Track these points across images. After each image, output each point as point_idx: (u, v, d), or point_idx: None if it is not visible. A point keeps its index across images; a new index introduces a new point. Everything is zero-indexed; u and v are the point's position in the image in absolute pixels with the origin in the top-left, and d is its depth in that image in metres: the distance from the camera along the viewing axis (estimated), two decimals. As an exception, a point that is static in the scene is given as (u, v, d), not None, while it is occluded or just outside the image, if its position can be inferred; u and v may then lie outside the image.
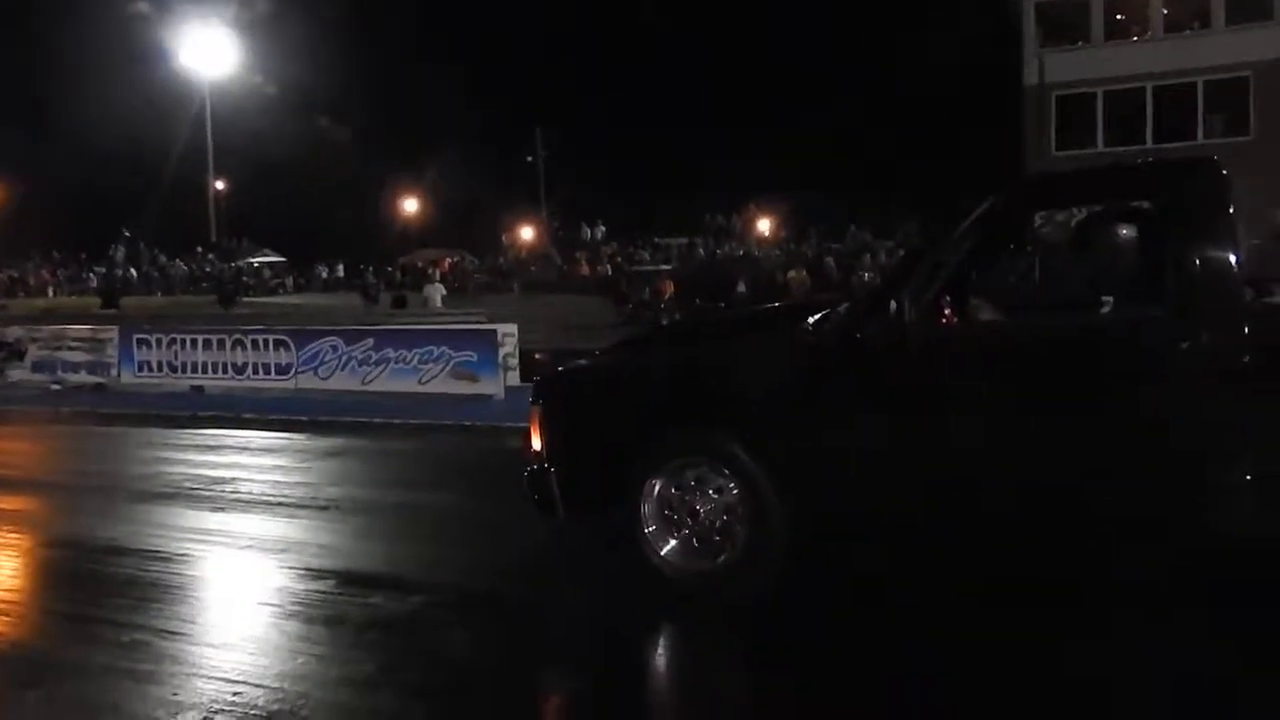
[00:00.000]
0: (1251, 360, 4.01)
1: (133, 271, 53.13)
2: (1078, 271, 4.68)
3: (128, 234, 56.15)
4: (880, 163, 48.36)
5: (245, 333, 14.06)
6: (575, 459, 5.08)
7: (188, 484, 8.18)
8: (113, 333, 15.07)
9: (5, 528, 7.03)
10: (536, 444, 5.15)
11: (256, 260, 54.39)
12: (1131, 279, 4.39)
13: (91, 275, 52.33)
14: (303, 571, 5.65)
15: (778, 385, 4.69)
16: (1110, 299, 4.45)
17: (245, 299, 41.92)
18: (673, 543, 4.82)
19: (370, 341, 13.08)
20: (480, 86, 64.05)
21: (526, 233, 56.41)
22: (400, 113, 64.69)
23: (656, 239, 47.48)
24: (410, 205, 60.25)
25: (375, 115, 57.40)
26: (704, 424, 4.81)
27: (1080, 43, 32.66)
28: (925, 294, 4.42)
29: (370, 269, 47.26)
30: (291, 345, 13.59)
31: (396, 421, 11.34)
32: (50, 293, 50.22)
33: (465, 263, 51.14)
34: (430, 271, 42.22)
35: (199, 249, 54.48)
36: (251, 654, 4.48)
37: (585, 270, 44.29)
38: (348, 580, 5.49)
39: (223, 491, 7.86)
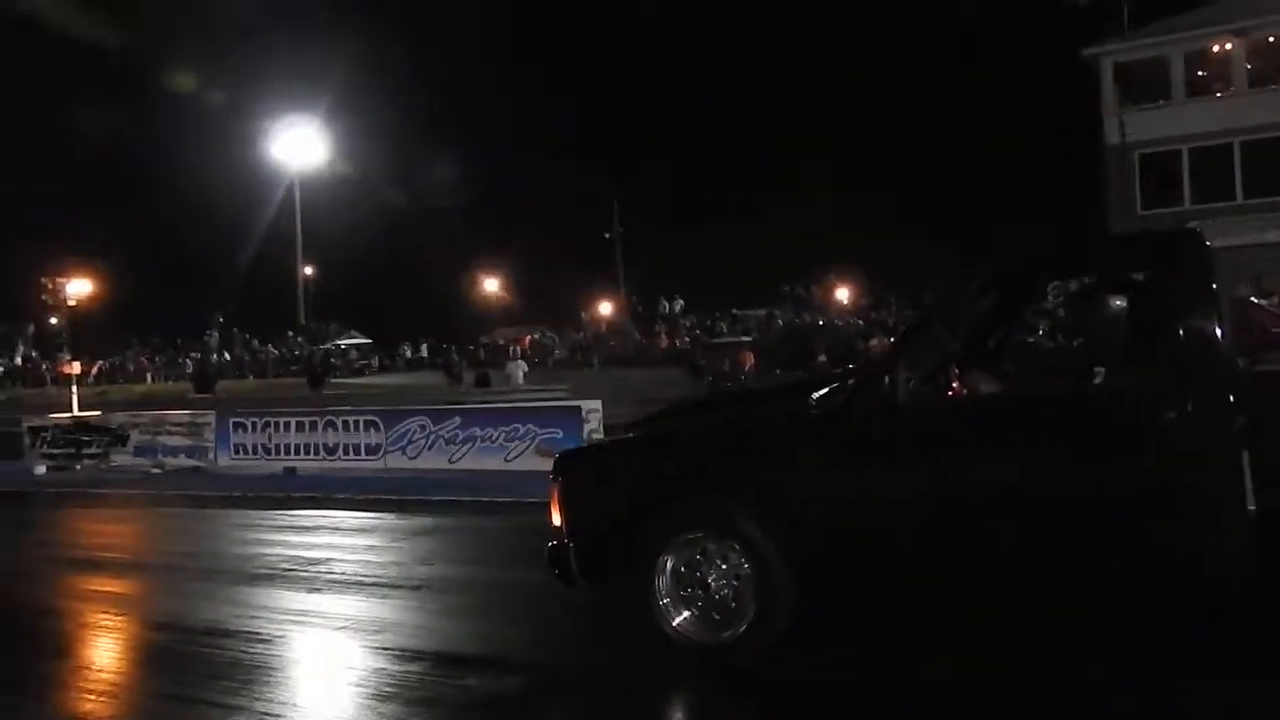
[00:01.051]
0: (1238, 428, 4.09)
1: (226, 356, 54.83)
2: (1072, 341, 4.76)
3: (221, 319, 58.10)
4: (959, 228, 47.99)
5: (336, 414, 14.45)
6: (592, 533, 5.31)
7: (284, 565, 8.35)
8: (210, 417, 15.61)
9: (110, 610, 7.25)
10: (556, 519, 5.38)
11: (344, 342, 55.74)
12: (1123, 349, 4.55)
13: (187, 360, 54.10)
14: (398, 652, 5.70)
15: (781, 458, 4.92)
16: (1102, 369, 4.56)
17: (333, 380, 42.90)
18: (686, 614, 5.02)
19: (457, 420, 13.34)
20: (557, 163, 65.44)
21: (605, 308, 56.96)
22: (479, 193, 66.46)
23: (735, 310, 47.50)
24: (491, 284, 61.40)
25: (456, 197, 58.97)
26: (712, 498, 5.02)
27: (1161, 100, 32.22)
28: (919, 370, 4.59)
29: (453, 347, 48.10)
30: (380, 426, 13.92)
31: (484, 499, 11.46)
32: (148, 379, 52.03)
33: (545, 339, 51.75)
34: (512, 349, 42.83)
35: (289, 333, 56.09)
36: (352, 737, 4.52)
37: (664, 343, 44.47)
38: (443, 661, 5.53)
39: (318, 572, 8.00)
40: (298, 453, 14.54)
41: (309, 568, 8.17)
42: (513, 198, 69.23)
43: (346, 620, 6.51)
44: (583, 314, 57.10)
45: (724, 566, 4.92)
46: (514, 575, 7.74)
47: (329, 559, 8.52)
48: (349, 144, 56.27)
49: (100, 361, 51.53)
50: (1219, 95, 31.86)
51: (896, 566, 4.71)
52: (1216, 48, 31.77)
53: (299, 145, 54.53)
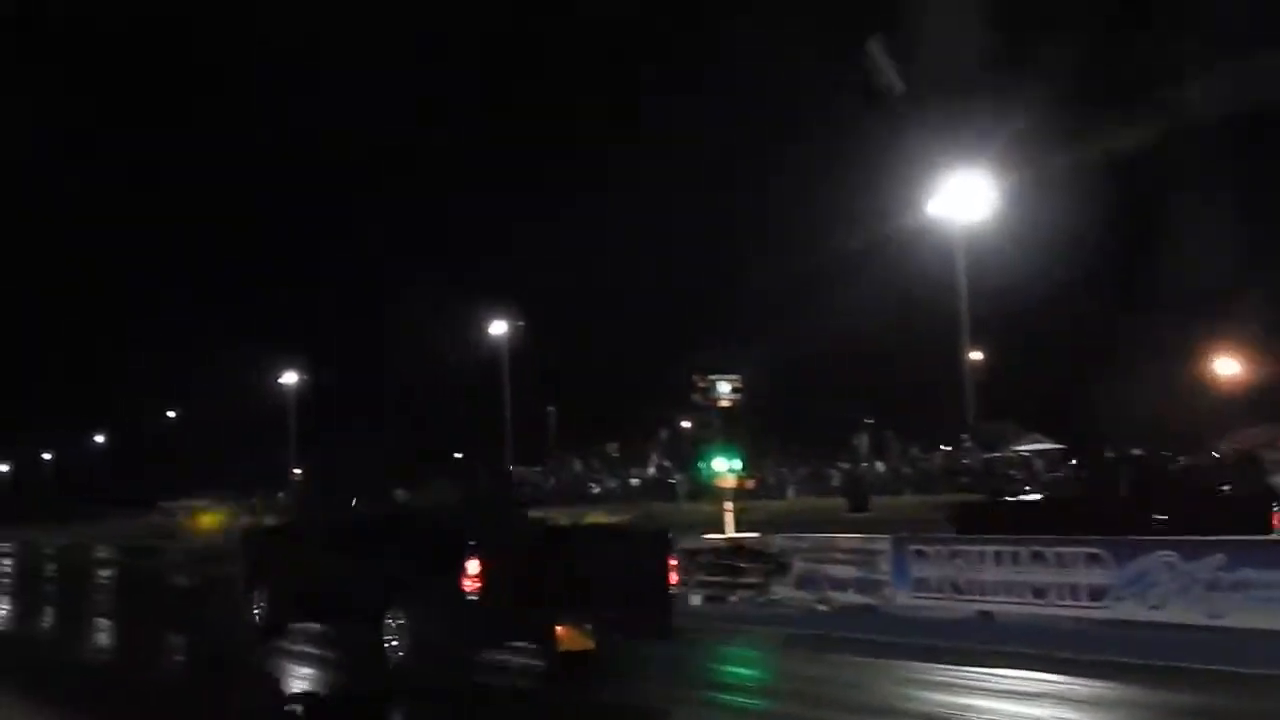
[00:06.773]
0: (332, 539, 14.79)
1: (879, 465, 57.34)
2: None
3: (870, 421, 60.97)
4: None
5: (1045, 544, 14.27)
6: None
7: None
8: (885, 544, 16.21)
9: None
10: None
11: (1024, 448, 55.41)
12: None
13: (832, 471, 57.44)
14: None
15: (272, 546, 16.73)
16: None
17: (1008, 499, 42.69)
18: None
19: (1220, 558, 12.62)
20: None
21: None
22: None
23: None
24: (1230, 367, 56.45)
25: (1151, 257, 55.79)
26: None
27: None
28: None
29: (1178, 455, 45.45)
30: (1108, 560, 13.60)
31: (1260, 672, 10.75)
32: (789, 493, 55.96)
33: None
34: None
35: (960, 436, 56.83)
36: None
37: None
38: None
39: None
40: (993, 592, 14.62)
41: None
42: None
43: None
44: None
45: None
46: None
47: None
48: (1021, 200, 55.86)
49: (756, 473, 56.00)
50: None
51: None
52: None
53: (961, 201, 54.19)
